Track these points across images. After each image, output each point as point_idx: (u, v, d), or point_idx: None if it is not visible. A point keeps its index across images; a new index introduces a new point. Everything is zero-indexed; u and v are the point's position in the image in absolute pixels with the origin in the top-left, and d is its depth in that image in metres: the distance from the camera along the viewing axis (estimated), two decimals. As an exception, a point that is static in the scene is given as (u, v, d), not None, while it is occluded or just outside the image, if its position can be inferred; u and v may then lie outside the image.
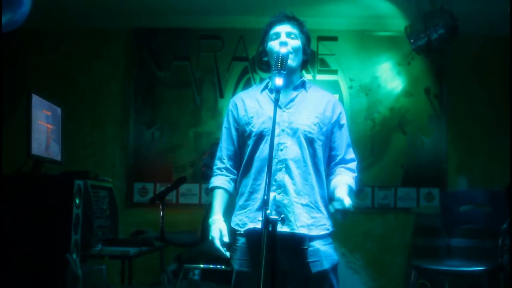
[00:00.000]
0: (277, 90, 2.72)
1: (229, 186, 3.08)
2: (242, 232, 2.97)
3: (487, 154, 6.11)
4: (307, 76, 6.06)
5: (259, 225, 2.82)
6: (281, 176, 2.91)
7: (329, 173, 3.10)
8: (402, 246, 5.89)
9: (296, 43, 3.04)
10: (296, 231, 2.88)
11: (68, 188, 3.73)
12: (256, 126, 2.99)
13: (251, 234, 2.93)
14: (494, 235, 4.59)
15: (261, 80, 6.10)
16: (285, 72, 2.79)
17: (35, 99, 4.05)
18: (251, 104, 3.07)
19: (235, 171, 3.11)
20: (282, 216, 2.68)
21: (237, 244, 2.99)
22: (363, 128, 6.17)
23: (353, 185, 3.04)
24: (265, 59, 3.12)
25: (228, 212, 3.10)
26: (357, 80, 6.23)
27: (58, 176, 3.97)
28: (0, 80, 4.43)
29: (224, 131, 3.16)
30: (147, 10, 5.91)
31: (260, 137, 2.97)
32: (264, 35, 3.13)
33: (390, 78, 6.23)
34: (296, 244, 2.89)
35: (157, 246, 4.60)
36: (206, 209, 4.88)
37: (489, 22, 5.84)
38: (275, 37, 3.04)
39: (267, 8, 5.44)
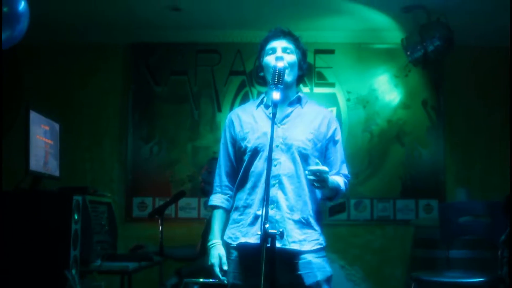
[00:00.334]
0: (274, 104, 2.73)
1: (228, 204, 3.10)
2: (234, 245, 2.97)
3: (485, 165, 6.12)
4: (305, 89, 6.08)
5: (251, 240, 2.86)
6: (274, 192, 2.90)
7: None
8: (401, 258, 5.89)
9: (292, 58, 3.04)
10: (288, 246, 2.87)
11: (67, 203, 3.72)
12: (251, 141, 2.99)
13: (242, 248, 2.93)
14: (493, 246, 4.59)
15: (259, 93, 6.11)
16: (282, 86, 2.80)
17: (33, 115, 4.05)
18: (246, 119, 3.08)
19: (233, 188, 3.11)
20: (281, 230, 2.68)
21: (231, 258, 3.00)
22: (361, 141, 6.18)
23: (342, 186, 3.00)
24: (261, 74, 3.12)
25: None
26: (354, 93, 6.25)
27: (57, 192, 3.96)
28: (0, 97, 4.44)
29: (221, 147, 3.16)
30: (144, 25, 5.93)
31: (255, 152, 2.97)
32: (260, 50, 3.13)
33: (387, 90, 6.25)
34: (288, 258, 2.88)
35: (156, 261, 4.59)
36: (205, 223, 4.88)
37: (485, 34, 5.87)
38: (271, 52, 3.05)
39: (264, 22, 5.47)
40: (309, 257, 2.91)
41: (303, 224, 2.93)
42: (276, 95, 2.74)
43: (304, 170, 2.91)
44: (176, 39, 6.23)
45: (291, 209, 2.91)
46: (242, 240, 2.93)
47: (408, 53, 5.55)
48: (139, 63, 6.29)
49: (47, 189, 4.12)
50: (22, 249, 3.67)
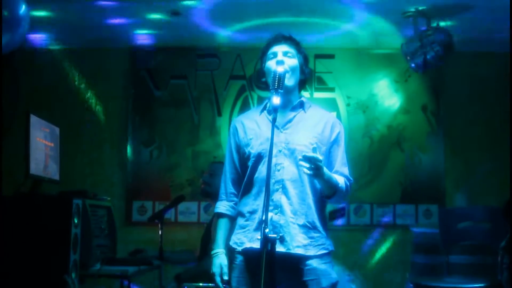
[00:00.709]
0: (274, 109, 2.75)
1: (233, 211, 3.10)
2: (240, 250, 2.97)
3: (485, 170, 6.11)
4: (305, 94, 6.07)
5: (256, 245, 2.84)
6: (278, 197, 2.90)
7: None
8: (401, 263, 5.88)
9: (293, 62, 3.04)
10: (292, 251, 2.87)
11: (67, 207, 3.72)
12: (254, 147, 3.00)
13: (248, 253, 2.93)
14: (493, 252, 4.59)
15: (259, 98, 6.13)
16: (282, 91, 2.81)
17: (33, 120, 4.05)
18: (250, 126, 3.09)
19: (239, 195, 3.12)
20: (281, 235, 2.68)
21: (236, 262, 3.00)
22: (361, 146, 6.18)
23: (341, 184, 2.97)
24: (263, 79, 3.13)
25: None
26: (354, 98, 6.26)
27: (57, 196, 3.96)
28: (0, 101, 4.45)
29: (226, 154, 3.17)
30: (144, 30, 5.93)
31: (258, 158, 2.97)
32: (261, 55, 3.14)
33: (387, 95, 6.26)
34: (293, 264, 2.88)
35: (156, 265, 4.58)
36: (205, 228, 4.88)
37: (485, 40, 5.88)
38: (272, 56, 3.05)
39: (265, 27, 5.50)
40: (314, 263, 2.90)
41: (308, 228, 2.92)
42: (276, 100, 2.75)
43: (307, 175, 2.90)
44: (176, 44, 6.24)
45: (295, 213, 2.91)
46: (248, 245, 2.93)
47: (408, 58, 5.55)
48: (139, 67, 6.30)
49: (47, 193, 4.12)
50: (21, 253, 3.66)
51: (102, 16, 5.51)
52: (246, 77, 6.26)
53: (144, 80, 6.28)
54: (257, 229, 2.90)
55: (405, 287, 5.57)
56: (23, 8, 3.65)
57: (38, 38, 5.97)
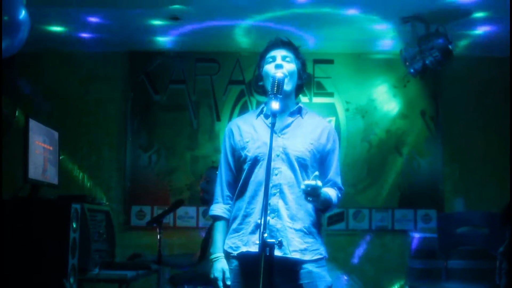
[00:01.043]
0: (273, 114, 2.75)
1: (229, 214, 3.09)
2: (235, 255, 2.97)
3: (484, 175, 6.12)
4: (303, 99, 6.08)
5: (252, 249, 2.85)
6: (275, 201, 2.91)
7: None
8: (399, 268, 5.88)
9: (291, 66, 3.06)
10: (289, 255, 2.87)
11: (65, 212, 3.72)
12: (251, 151, 3.00)
13: (243, 258, 2.93)
14: (492, 257, 4.59)
15: (258, 103, 6.13)
16: (281, 96, 2.82)
17: (32, 124, 4.05)
18: (246, 129, 3.09)
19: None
20: (280, 239, 2.68)
21: (231, 267, 3.00)
22: (359, 151, 6.18)
23: (334, 199, 2.99)
24: (261, 83, 3.13)
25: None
26: (353, 103, 6.26)
27: (55, 200, 3.97)
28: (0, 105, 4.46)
29: (222, 158, 3.17)
30: (143, 34, 5.94)
31: (255, 161, 2.98)
32: (260, 59, 3.15)
33: (386, 100, 6.27)
34: (289, 267, 2.89)
35: (154, 269, 4.58)
36: (206, 232, 4.88)
37: (484, 44, 5.89)
38: (271, 60, 3.07)
39: (263, 31, 5.50)
40: (310, 267, 2.91)
41: (305, 233, 2.93)
42: (275, 105, 2.77)
43: (304, 179, 2.92)
44: (175, 48, 6.25)
45: (292, 218, 2.92)
46: (244, 249, 2.93)
47: (407, 63, 5.56)
48: (138, 72, 6.30)
49: (46, 197, 4.12)
50: (20, 257, 3.67)
51: (101, 20, 5.51)
52: (245, 82, 6.26)
53: (143, 85, 6.28)
54: (252, 232, 2.91)
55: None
56: (23, 13, 3.65)
57: (37, 42, 5.97)
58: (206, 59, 6.32)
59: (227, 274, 2.98)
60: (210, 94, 6.28)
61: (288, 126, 3.04)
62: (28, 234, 3.71)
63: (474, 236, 4.99)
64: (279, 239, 2.70)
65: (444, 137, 6.24)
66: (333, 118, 6.13)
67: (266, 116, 3.05)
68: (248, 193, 2.98)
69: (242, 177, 3.02)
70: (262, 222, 2.55)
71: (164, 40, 6.07)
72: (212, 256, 3.05)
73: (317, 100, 6.24)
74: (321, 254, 2.97)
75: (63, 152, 4.66)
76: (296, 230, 2.91)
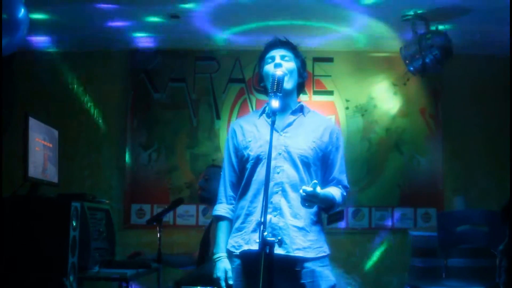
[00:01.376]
0: (273, 112, 2.77)
1: (233, 214, 3.11)
2: (237, 253, 2.98)
3: (483, 173, 6.11)
4: (303, 98, 6.08)
5: (253, 247, 2.86)
6: (277, 199, 2.92)
7: None
8: (399, 266, 5.87)
9: (291, 65, 3.08)
10: (292, 253, 2.88)
11: (65, 210, 3.72)
12: (253, 150, 3.02)
13: (246, 256, 2.95)
14: (492, 255, 4.59)
15: (258, 102, 6.13)
16: (281, 94, 2.83)
17: (32, 122, 4.05)
18: (249, 128, 3.11)
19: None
20: (280, 238, 2.69)
21: (233, 266, 3.01)
22: (359, 149, 6.18)
23: (338, 198, 3.02)
24: (262, 84, 3.15)
25: None
26: (353, 101, 6.26)
27: (55, 199, 3.96)
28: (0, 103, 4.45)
29: (225, 158, 3.19)
30: (143, 33, 5.93)
31: (257, 160, 2.99)
32: (259, 61, 3.17)
33: (386, 98, 6.27)
34: (291, 266, 2.89)
35: (154, 268, 4.58)
36: (204, 231, 4.88)
37: (484, 43, 5.88)
38: (270, 60, 3.09)
39: (263, 30, 5.50)
40: (312, 265, 2.92)
41: (307, 231, 2.94)
42: (275, 103, 2.78)
43: (307, 178, 2.94)
44: (175, 47, 6.25)
45: (295, 216, 2.93)
46: (245, 247, 2.94)
47: (407, 61, 5.56)
48: (138, 70, 6.30)
49: (46, 195, 4.12)
50: (20, 256, 3.66)
51: (102, 18, 5.51)
52: (245, 80, 6.26)
53: (143, 83, 6.28)
54: (254, 231, 2.93)
55: (404, 291, 5.57)
56: (22, 12, 3.65)
57: (37, 40, 5.97)
58: (205, 57, 6.32)
59: (230, 274, 3.00)
60: (209, 92, 6.28)
61: (290, 124, 3.06)
62: (28, 232, 3.70)
63: (474, 234, 5.00)
64: (279, 237, 2.71)
65: (444, 135, 6.24)
66: (333, 117, 6.13)
67: (268, 115, 3.06)
68: (251, 192, 3.00)
69: (245, 176, 3.04)
70: (262, 220, 2.56)
71: (164, 39, 6.06)
72: (215, 256, 3.07)
73: (316, 98, 6.24)
74: (324, 252, 2.98)
75: (63, 150, 4.65)
76: (298, 228, 2.93)
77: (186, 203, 5.57)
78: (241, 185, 3.07)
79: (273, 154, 2.91)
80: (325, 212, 3.08)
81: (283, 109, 3.02)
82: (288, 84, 3.03)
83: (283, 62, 3.06)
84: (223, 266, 3.01)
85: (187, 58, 6.31)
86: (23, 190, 3.96)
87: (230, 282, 2.98)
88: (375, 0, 5.07)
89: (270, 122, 2.86)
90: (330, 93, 6.28)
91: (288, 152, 2.97)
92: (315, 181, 2.81)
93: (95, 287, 4.57)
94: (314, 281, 2.91)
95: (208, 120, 6.26)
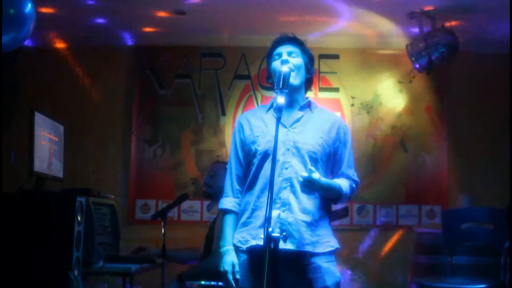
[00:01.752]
0: (278, 109, 2.77)
1: (238, 208, 3.11)
2: (244, 249, 2.98)
3: (489, 171, 6.11)
4: (308, 94, 6.07)
5: (260, 242, 2.84)
6: (286, 194, 2.92)
7: None
8: (404, 263, 5.87)
9: (298, 61, 3.08)
10: (301, 248, 2.89)
11: (70, 205, 3.73)
12: (261, 145, 3.02)
13: (253, 251, 2.94)
14: (496, 253, 4.59)
15: (263, 98, 6.13)
16: (287, 90, 2.84)
17: (38, 117, 4.06)
18: (256, 123, 3.11)
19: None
20: (284, 233, 2.69)
21: (240, 261, 3.01)
22: (364, 146, 6.18)
23: (345, 188, 3.03)
24: (270, 80, 3.16)
25: None
26: (358, 98, 6.26)
27: (60, 193, 3.97)
28: (0, 98, 4.46)
29: (231, 152, 3.19)
30: (149, 29, 5.94)
31: (265, 155, 2.99)
32: (267, 58, 3.19)
33: (391, 96, 6.26)
34: (298, 261, 2.90)
35: (158, 263, 4.59)
36: (209, 226, 4.88)
37: (490, 40, 5.87)
38: (277, 57, 3.10)
39: (269, 26, 5.50)
40: (319, 261, 2.92)
41: (315, 226, 2.95)
42: (280, 100, 2.79)
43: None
44: (181, 43, 6.25)
45: (303, 211, 2.93)
46: (253, 243, 2.94)
47: (413, 59, 5.55)
48: (144, 66, 6.30)
49: (51, 190, 4.13)
50: (25, 250, 3.68)
51: (108, 14, 5.52)
52: (250, 76, 6.26)
53: (149, 79, 6.29)
54: (261, 226, 2.91)
55: (408, 288, 5.57)
56: (29, 6, 3.66)
57: (43, 35, 5.98)
58: (211, 53, 6.32)
59: (237, 268, 2.98)
60: (215, 88, 6.28)
61: (298, 120, 3.06)
62: (33, 227, 3.71)
63: (478, 232, 4.99)
64: (284, 233, 2.71)
65: (449, 133, 6.23)
66: (338, 114, 6.12)
67: (276, 111, 3.07)
68: (258, 187, 3.00)
69: (252, 171, 3.04)
70: (267, 216, 2.57)
71: (170, 35, 6.06)
72: (222, 249, 3.05)
73: (322, 95, 6.23)
74: (332, 246, 2.99)
75: (68, 145, 4.66)
76: (307, 223, 2.93)
77: (191, 198, 5.59)
78: (247, 180, 3.07)
79: (282, 150, 2.93)
80: (333, 203, 3.08)
81: (291, 105, 3.04)
82: (296, 80, 3.04)
83: (290, 58, 3.06)
84: (231, 260, 3.00)
85: (193, 54, 6.31)
86: (29, 185, 3.97)
87: (237, 276, 2.97)
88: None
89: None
90: (336, 90, 6.27)
91: (297, 148, 2.98)
92: (311, 167, 2.84)
93: (99, 281, 4.59)
94: (320, 277, 2.91)
95: (213, 116, 6.26)
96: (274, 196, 2.66)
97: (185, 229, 5.91)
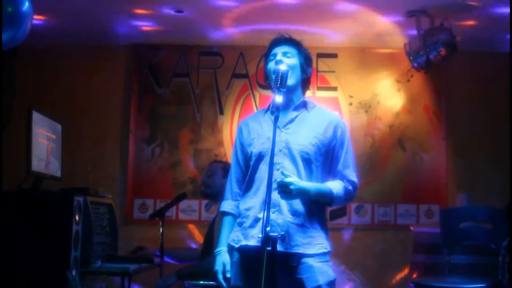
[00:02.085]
0: (276, 108, 2.78)
1: (238, 210, 3.12)
2: (236, 248, 3.01)
3: (487, 170, 6.11)
4: (306, 94, 6.06)
5: (251, 243, 2.90)
6: (276, 196, 2.90)
7: None
8: (402, 263, 5.87)
9: (293, 61, 3.07)
10: (290, 250, 2.88)
11: (68, 204, 3.73)
12: (256, 147, 3.04)
13: (243, 251, 2.97)
14: (494, 252, 4.59)
15: (261, 97, 6.13)
16: (284, 89, 2.85)
17: (36, 116, 4.06)
18: (254, 126, 3.13)
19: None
20: (282, 233, 2.69)
21: (233, 259, 3.03)
22: (362, 145, 6.17)
23: (336, 191, 2.99)
24: (267, 81, 3.16)
25: None
26: (356, 97, 6.25)
27: (58, 193, 3.97)
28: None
29: (233, 155, 3.23)
30: (147, 27, 5.93)
31: (259, 157, 3.01)
32: (264, 59, 3.20)
33: (389, 95, 6.26)
34: (289, 261, 2.89)
35: (156, 263, 4.59)
36: (208, 226, 4.88)
37: (488, 39, 5.87)
38: (273, 58, 3.10)
39: (268, 25, 5.49)
40: (310, 261, 2.91)
41: (307, 228, 2.94)
42: (278, 99, 2.81)
43: (306, 174, 2.94)
44: (179, 41, 6.24)
45: (293, 213, 2.93)
46: (243, 242, 2.97)
47: (411, 58, 5.55)
48: (142, 65, 6.29)
49: (49, 189, 4.13)
50: (23, 250, 3.67)
51: (105, 12, 5.50)
52: (248, 75, 6.25)
53: (147, 77, 6.28)
54: (251, 226, 2.95)
55: (406, 287, 5.57)
56: (26, 5, 3.65)
57: (41, 34, 5.96)
58: (209, 52, 6.31)
59: (227, 267, 3.02)
60: (213, 87, 6.27)
61: (292, 121, 3.06)
62: (31, 226, 3.71)
63: (477, 231, 4.99)
64: (282, 233, 2.71)
65: (447, 132, 6.23)
66: (336, 113, 6.11)
67: (272, 112, 3.07)
68: (253, 189, 3.03)
69: (249, 173, 3.07)
70: (265, 217, 2.58)
71: (168, 33, 6.05)
72: (216, 250, 3.10)
73: (320, 94, 6.23)
74: (325, 248, 2.97)
75: (66, 145, 4.66)
76: (297, 225, 2.92)
77: (189, 198, 5.58)
78: (245, 182, 3.09)
79: (275, 151, 2.91)
80: (328, 206, 3.08)
81: (286, 105, 3.03)
82: (290, 80, 3.02)
83: (284, 59, 3.06)
84: (222, 260, 3.04)
85: (191, 53, 6.30)
86: (27, 184, 3.96)
87: (228, 275, 3.00)
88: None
89: (273, 119, 2.87)
90: (334, 89, 6.27)
91: (289, 149, 2.97)
92: (286, 172, 2.83)
93: (97, 281, 4.58)
94: (312, 276, 2.89)
95: (211, 115, 6.25)
96: (264, 197, 2.67)
97: (183, 229, 5.91)
